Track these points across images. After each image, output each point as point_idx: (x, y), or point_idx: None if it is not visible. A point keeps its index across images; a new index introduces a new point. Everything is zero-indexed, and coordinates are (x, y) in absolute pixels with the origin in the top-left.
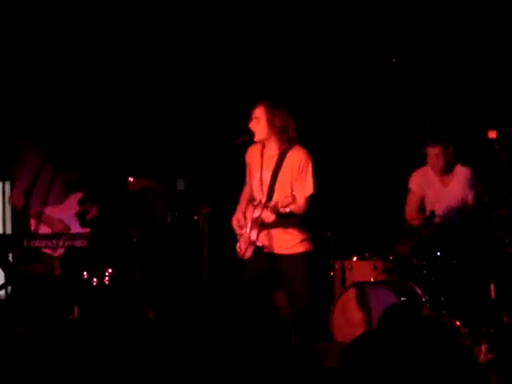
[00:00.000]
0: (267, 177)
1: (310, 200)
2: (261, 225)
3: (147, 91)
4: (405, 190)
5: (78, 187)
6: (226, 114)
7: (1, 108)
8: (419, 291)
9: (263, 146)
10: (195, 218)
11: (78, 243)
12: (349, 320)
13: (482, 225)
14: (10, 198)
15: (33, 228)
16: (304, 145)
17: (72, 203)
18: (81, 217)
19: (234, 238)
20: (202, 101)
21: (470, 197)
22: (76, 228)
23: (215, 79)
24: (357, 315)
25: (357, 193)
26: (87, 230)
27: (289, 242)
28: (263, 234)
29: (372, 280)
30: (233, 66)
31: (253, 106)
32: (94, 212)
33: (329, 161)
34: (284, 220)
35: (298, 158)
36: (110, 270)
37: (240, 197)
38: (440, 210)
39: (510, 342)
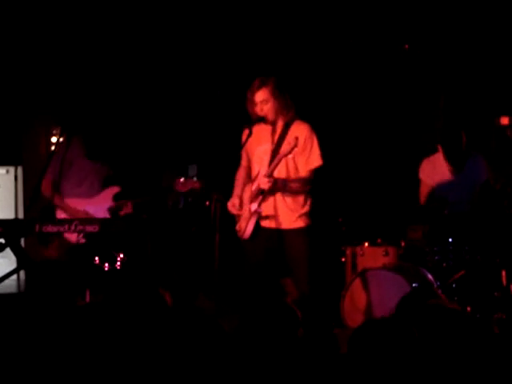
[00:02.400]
0: (267, 150)
1: (322, 183)
2: (261, 193)
3: (161, 80)
4: (417, 176)
5: (115, 182)
6: (238, 99)
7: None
8: (431, 277)
9: (264, 123)
10: (207, 203)
11: (90, 228)
12: (360, 306)
13: (494, 212)
14: (40, 186)
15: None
16: (318, 131)
17: (107, 197)
18: (114, 212)
19: None
20: (214, 86)
21: (479, 184)
22: None
23: (226, 66)
24: (368, 301)
25: (369, 179)
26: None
27: (289, 216)
28: (264, 206)
29: (383, 266)
30: (245, 51)
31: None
32: (128, 208)
33: (342, 147)
34: (283, 187)
35: (301, 131)
36: (121, 256)
37: (234, 181)
38: (450, 197)
39: None
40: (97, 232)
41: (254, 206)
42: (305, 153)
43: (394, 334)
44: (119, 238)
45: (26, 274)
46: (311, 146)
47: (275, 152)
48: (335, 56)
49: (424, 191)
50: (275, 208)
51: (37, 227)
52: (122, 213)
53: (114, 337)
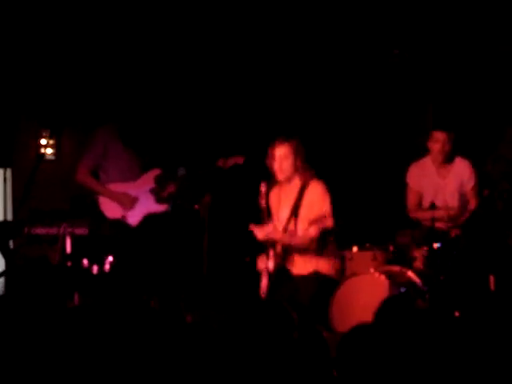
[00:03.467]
0: (287, 213)
1: None
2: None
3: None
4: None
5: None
6: (226, 102)
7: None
8: (419, 282)
9: (280, 185)
10: (196, 206)
11: (79, 231)
12: (348, 310)
13: (482, 217)
14: (75, 176)
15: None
16: (307, 138)
17: (148, 179)
18: (157, 193)
19: (233, 226)
20: (203, 90)
21: (468, 189)
22: (150, 204)
23: (213, 71)
24: (356, 306)
25: (358, 183)
26: (163, 207)
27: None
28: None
29: (372, 270)
30: (230, 59)
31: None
32: (171, 188)
33: (331, 151)
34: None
35: (315, 193)
36: (110, 258)
37: None
38: (438, 201)
39: (507, 332)
40: (86, 235)
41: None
42: (315, 211)
43: (380, 339)
44: (108, 240)
45: (7, 276)
46: (322, 207)
47: (292, 214)
48: (325, 61)
49: (410, 196)
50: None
51: (26, 229)
52: (165, 193)
53: (101, 340)
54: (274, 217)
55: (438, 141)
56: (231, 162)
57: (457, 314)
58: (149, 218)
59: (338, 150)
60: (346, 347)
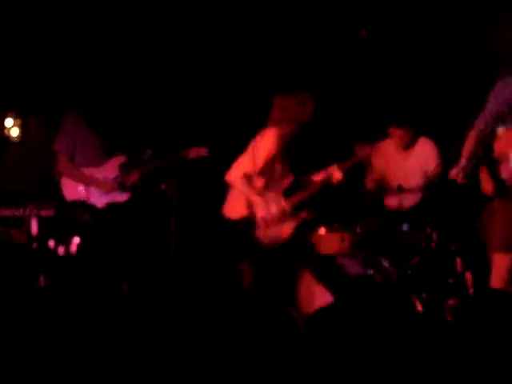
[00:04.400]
0: None
1: None
2: None
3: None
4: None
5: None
6: (195, 84)
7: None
8: (387, 264)
9: None
10: (163, 187)
11: (45, 213)
12: (315, 291)
13: (448, 199)
14: (56, 167)
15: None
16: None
17: (113, 166)
18: (120, 182)
19: (200, 208)
20: (174, 71)
21: (432, 169)
22: (114, 194)
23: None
24: (323, 287)
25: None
26: (126, 196)
27: None
28: None
29: (339, 252)
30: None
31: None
32: (134, 177)
33: (298, 135)
34: None
35: None
36: (77, 240)
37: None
38: (402, 182)
39: (474, 313)
40: (52, 216)
41: None
42: None
43: (341, 320)
44: (76, 222)
45: None
46: None
47: None
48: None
49: (374, 177)
50: None
51: None
52: (128, 182)
53: (68, 322)
54: None
55: (395, 135)
56: (194, 153)
57: (424, 295)
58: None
59: (306, 133)
60: (310, 329)
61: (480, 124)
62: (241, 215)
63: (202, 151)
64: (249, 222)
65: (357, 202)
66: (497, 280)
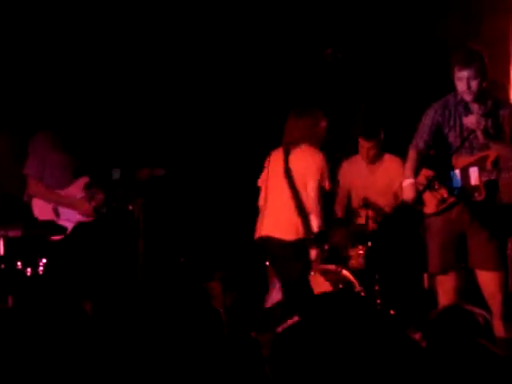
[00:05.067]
0: None
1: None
2: None
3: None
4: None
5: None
6: (161, 101)
7: None
8: (354, 280)
9: None
10: (130, 208)
11: (12, 233)
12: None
13: (413, 214)
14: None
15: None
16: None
17: (77, 187)
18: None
19: (168, 227)
20: (139, 89)
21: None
22: (78, 214)
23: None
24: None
25: None
26: (91, 218)
27: None
28: None
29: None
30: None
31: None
32: (98, 199)
33: (264, 150)
34: None
35: None
36: (44, 261)
37: None
38: (367, 197)
39: (441, 330)
40: (20, 236)
41: None
42: None
43: (310, 337)
44: (43, 242)
45: None
46: None
47: None
48: (258, 59)
49: (339, 193)
50: None
51: None
52: (93, 203)
53: (34, 341)
54: None
55: (363, 147)
56: (147, 173)
57: (392, 312)
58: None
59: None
60: (278, 346)
61: (418, 143)
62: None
63: (159, 172)
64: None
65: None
66: (445, 301)
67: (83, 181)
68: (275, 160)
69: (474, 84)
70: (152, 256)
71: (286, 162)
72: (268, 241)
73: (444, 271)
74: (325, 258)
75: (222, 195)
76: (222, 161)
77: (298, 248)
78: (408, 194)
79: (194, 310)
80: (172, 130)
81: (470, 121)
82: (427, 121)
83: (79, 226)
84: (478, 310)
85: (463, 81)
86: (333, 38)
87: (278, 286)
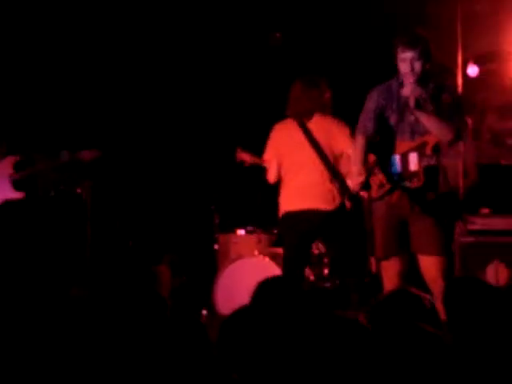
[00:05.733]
0: None
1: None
2: None
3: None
4: None
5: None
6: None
7: None
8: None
9: None
10: (78, 191)
11: None
12: (233, 293)
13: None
14: None
15: None
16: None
17: (6, 165)
18: (16, 180)
19: (116, 210)
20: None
21: None
22: (6, 191)
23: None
24: (241, 289)
25: (239, 166)
26: (20, 194)
27: None
28: None
29: (256, 253)
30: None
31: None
32: (29, 171)
33: (211, 135)
34: None
35: None
36: None
37: None
38: None
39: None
40: None
41: None
42: None
43: (257, 321)
44: None
45: None
46: None
47: None
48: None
49: None
50: None
51: None
52: (23, 178)
53: None
54: None
55: None
56: (87, 155)
57: (340, 296)
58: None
59: (215, 133)
60: (226, 331)
61: (365, 127)
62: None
63: (95, 153)
64: None
65: (272, 203)
66: (389, 286)
67: (12, 159)
68: (290, 132)
69: (417, 65)
70: (100, 239)
71: (308, 131)
72: (306, 214)
73: (387, 257)
74: (274, 242)
75: (171, 179)
76: (169, 144)
77: (338, 216)
78: (355, 184)
79: (140, 293)
80: (121, 113)
81: (406, 89)
82: (371, 104)
83: (8, 203)
84: (423, 294)
85: (406, 62)
86: (279, 22)
87: (227, 270)
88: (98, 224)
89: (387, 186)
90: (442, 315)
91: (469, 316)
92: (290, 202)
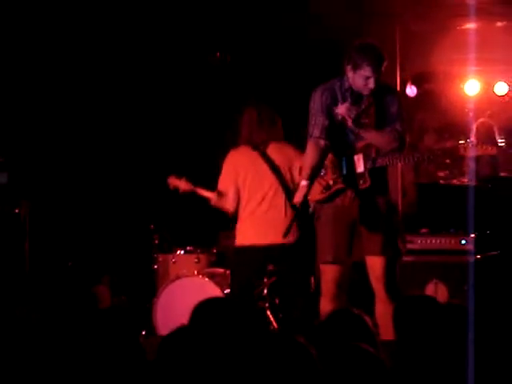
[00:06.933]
0: None
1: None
2: None
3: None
4: None
5: None
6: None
7: None
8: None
9: None
10: (16, 211)
11: None
12: (172, 313)
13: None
14: None
15: None
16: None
17: None
18: None
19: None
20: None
21: None
22: None
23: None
24: (180, 308)
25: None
26: None
27: None
28: None
29: (196, 273)
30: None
31: None
32: None
33: (150, 156)
34: None
35: None
36: None
37: None
38: None
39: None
40: None
41: None
42: None
43: (195, 341)
44: None
45: None
46: None
47: None
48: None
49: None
50: None
51: None
52: None
53: None
54: None
55: None
56: None
57: (280, 315)
58: None
59: (160, 151)
60: (164, 350)
61: (314, 132)
62: None
63: None
64: None
65: (211, 223)
66: (327, 294)
67: None
68: (250, 160)
69: (374, 82)
70: (39, 259)
71: (269, 160)
72: (273, 248)
73: (335, 261)
74: (213, 261)
75: (110, 200)
76: (108, 165)
77: (297, 247)
78: (299, 197)
79: (79, 313)
80: (59, 133)
81: (341, 110)
82: (317, 106)
83: None
84: (364, 314)
85: (366, 79)
86: (219, 42)
87: (165, 290)
88: (37, 245)
89: (335, 188)
90: (382, 316)
91: (418, 334)
92: (256, 234)
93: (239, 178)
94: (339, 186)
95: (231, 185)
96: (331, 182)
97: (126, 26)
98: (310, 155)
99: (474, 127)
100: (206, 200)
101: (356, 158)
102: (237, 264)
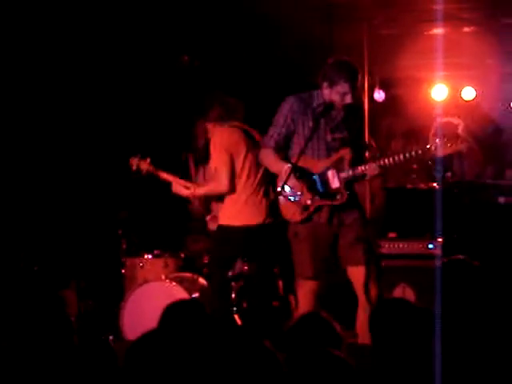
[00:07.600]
0: None
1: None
2: None
3: None
4: None
5: None
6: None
7: None
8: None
9: None
10: None
11: None
12: (139, 318)
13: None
14: None
15: None
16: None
17: None
18: None
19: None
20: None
21: None
22: None
23: None
24: (148, 313)
25: (143, 190)
26: None
27: None
28: None
29: (163, 277)
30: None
31: None
32: None
33: (119, 159)
34: None
35: None
36: None
37: None
38: None
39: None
40: None
41: None
42: None
43: (164, 345)
44: None
45: None
46: None
47: None
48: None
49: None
50: None
51: None
52: None
53: None
54: None
55: None
56: None
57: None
58: None
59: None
60: (132, 355)
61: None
62: None
63: None
64: None
65: (180, 227)
66: (304, 307)
67: None
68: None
69: (352, 97)
70: (5, 263)
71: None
72: (265, 227)
73: (316, 277)
74: (181, 266)
75: (77, 204)
76: (75, 168)
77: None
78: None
79: (45, 318)
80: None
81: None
82: (284, 111)
83: None
84: (332, 319)
85: (344, 94)
86: (188, 46)
87: (133, 294)
88: (2, 249)
89: (312, 207)
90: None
91: (394, 339)
92: (254, 215)
93: (237, 160)
94: (317, 203)
95: (225, 163)
96: (309, 202)
97: (99, 27)
98: (270, 162)
99: (438, 127)
100: (173, 205)
101: (330, 173)
102: (220, 243)
